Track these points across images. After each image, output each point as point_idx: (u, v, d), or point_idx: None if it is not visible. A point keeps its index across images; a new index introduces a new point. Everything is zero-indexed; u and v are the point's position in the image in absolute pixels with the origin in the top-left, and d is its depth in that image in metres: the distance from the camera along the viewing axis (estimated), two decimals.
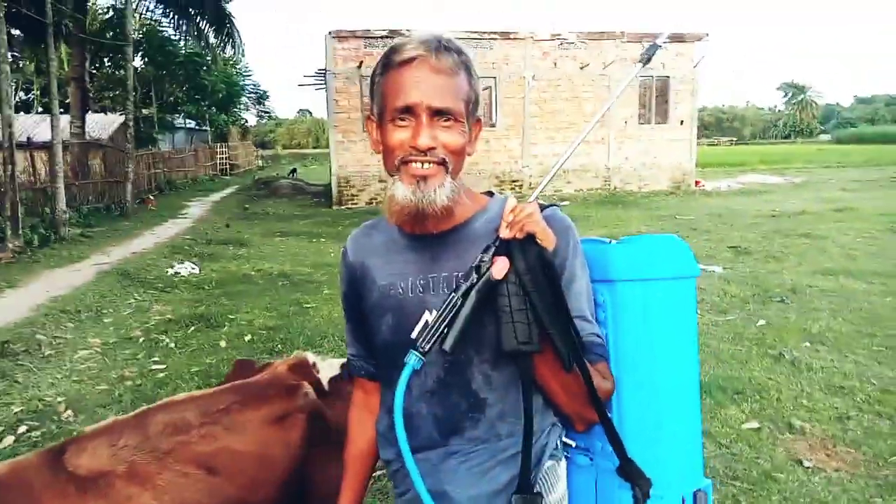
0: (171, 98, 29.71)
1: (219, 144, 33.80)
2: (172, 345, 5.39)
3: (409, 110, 1.06)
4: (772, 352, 4.87)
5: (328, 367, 1.77)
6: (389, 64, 1.09)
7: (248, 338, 5.50)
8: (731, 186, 19.37)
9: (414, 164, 1.06)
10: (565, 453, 1.23)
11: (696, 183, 18.77)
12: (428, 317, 1.00)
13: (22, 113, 23.69)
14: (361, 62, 15.82)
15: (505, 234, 0.98)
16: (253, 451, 1.46)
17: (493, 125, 17.08)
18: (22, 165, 11.82)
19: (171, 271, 8.41)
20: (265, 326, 5.83)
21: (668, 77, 18.04)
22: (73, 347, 5.35)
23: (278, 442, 1.51)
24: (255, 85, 49.07)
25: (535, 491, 1.12)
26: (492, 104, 17.17)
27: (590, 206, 15.16)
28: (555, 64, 17.37)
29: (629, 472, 1.12)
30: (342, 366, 1.78)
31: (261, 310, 6.42)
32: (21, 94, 28.35)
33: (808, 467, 3.21)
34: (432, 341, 0.97)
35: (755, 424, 3.69)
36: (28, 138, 13.35)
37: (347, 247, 1.28)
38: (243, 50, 19.34)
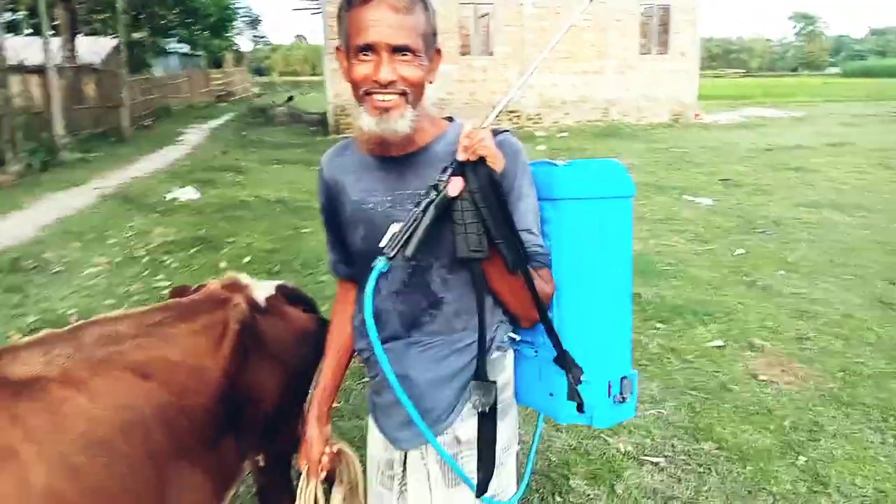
0: (163, 21, 28.87)
1: (213, 70, 33.14)
2: (175, 264, 5.63)
3: (370, 48, 1.17)
4: (746, 279, 5.12)
5: (263, 288, 1.83)
6: (352, 1, 1.18)
7: (247, 259, 5.73)
8: (731, 120, 19.22)
9: (377, 97, 1.18)
10: (515, 347, 1.44)
11: (696, 115, 18.62)
12: (394, 228, 1.19)
13: (10, 35, 23.07)
14: None
15: (460, 156, 1.14)
16: (185, 360, 1.51)
17: (490, 54, 16.78)
18: (17, 89, 11.74)
19: (169, 196, 8.57)
20: (264, 249, 6.06)
21: (669, 6, 17.58)
22: (80, 265, 5.60)
23: (210, 352, 1.55)
24: (247, 8, 47.60)
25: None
26: (489, 32, 16.80)
27: (587, 139, 15.13)
28: None
29: (564, 361, 1.31)
30: (277, 287, 1.87)
31: (259, 234, 6.64)
32: (6, 14, 27.48)
33: (762, 381, 3.50)
34: (397, 249, 1.16)
35: (720, 343, 3.97)
36: (20, 62, 13.15)
37: (323, 164, 1.41)
38: None
